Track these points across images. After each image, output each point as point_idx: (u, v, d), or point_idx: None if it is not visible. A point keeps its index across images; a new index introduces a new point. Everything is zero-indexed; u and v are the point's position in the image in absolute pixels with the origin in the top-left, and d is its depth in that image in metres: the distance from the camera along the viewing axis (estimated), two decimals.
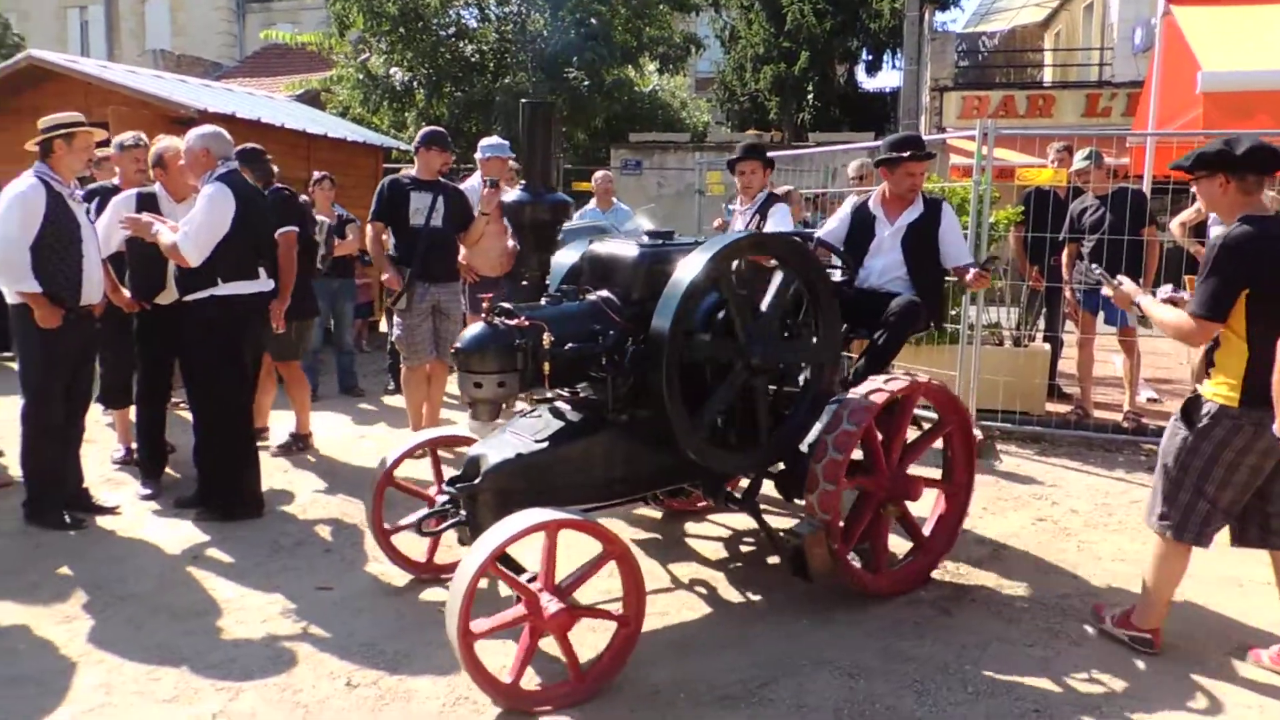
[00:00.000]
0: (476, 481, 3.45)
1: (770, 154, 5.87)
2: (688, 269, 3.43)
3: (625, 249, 3.77)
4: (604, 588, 3.71)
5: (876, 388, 3.91)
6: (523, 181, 3.83)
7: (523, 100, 3.67)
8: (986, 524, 5.07)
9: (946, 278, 4.99)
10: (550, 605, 3.10)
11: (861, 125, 20.21)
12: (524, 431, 3.65)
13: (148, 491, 5.24)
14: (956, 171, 12.07)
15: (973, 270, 4.65)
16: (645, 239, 3.84)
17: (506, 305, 3.50)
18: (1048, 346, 7.60)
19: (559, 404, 3.79)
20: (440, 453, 4.33)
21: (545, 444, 3.55)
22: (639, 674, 3.39)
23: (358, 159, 11.90)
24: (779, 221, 5.47)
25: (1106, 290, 3.88)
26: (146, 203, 5.11)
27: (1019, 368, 7.10)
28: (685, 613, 3.94)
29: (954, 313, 7.10)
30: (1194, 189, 3.68)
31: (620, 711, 3.17)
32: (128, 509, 5.03)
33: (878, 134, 17.82)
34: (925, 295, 4.62)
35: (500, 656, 3.30)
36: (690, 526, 4.93)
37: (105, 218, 5.13)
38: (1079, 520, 5.12)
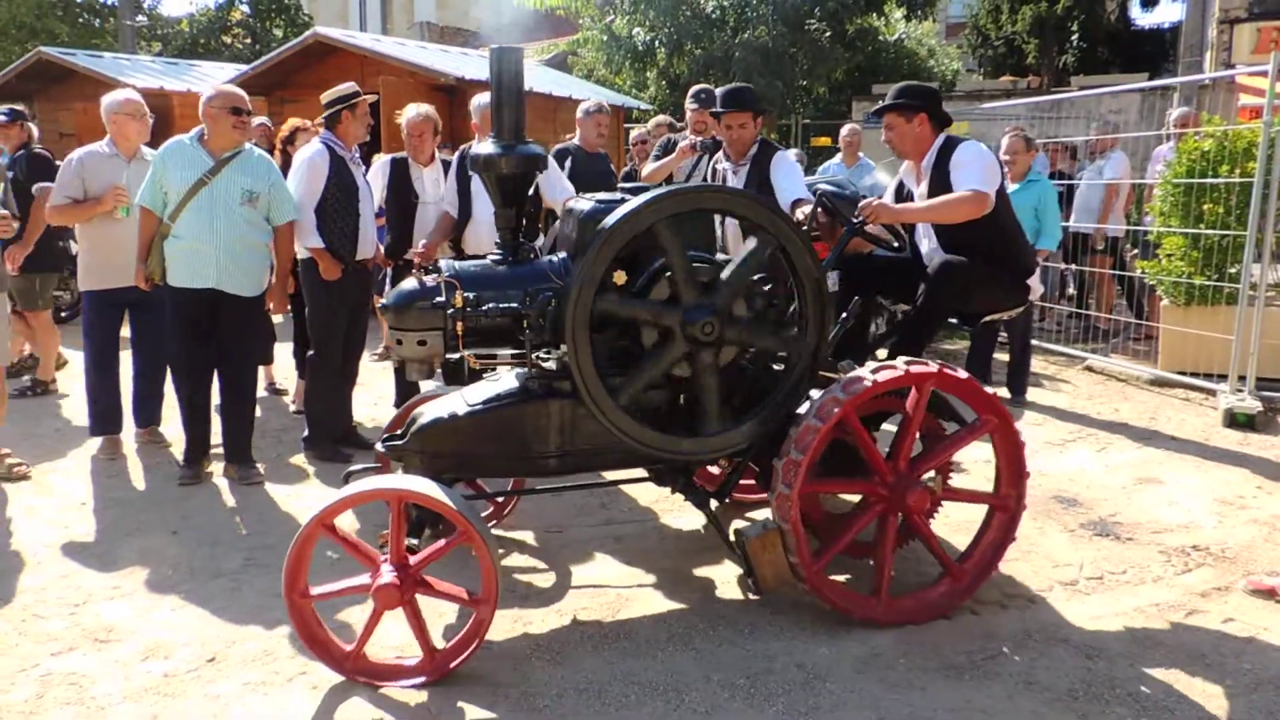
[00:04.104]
0: (403, 442, 3.36)
1: (1027, 100, 5.28)
2: (604, 226, 3.08)
3: (582, 205, 3.41)
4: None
5: (864, 374, 3.31)
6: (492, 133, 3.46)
7: (491, 46, 3.45)
8: (1260, 504, 4.58)
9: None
10: (384, 578, 3.00)
11: (1132, 66, 18.43)
12: (471, 393, 3.45)
13: None
14: (1246, 113, 10.78)
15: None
16: (603, 195, 3.45)
17: (443, 262, 3.36)
18: None
19: (521, 369, 3.49)
20: None
21: (477, 408, 3.33)
22: (860, 635, 3.36)
23: None
24: (787, 175, 4.75)
25: None
26: (400, 166, 5.54)
27: None
28: (911, 578, 3.83)
29: (1233, 270, 6.40)
30: None
31: (844, 670, 3.15)
32: None
33: (1152, 75, 16.24)
34: (973, 255, 3.80)
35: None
36: None
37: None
38: None
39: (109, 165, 5.12)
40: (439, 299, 3.21)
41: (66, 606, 3.61)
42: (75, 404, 6.22)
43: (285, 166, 5.48)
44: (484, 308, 3.21)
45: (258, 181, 4.74)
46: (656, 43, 15.49)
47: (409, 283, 3.34)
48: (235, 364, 4.90)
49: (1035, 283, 4.03)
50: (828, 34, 15.19)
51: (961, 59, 22.67)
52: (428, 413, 3.39)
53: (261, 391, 6.15)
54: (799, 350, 3.38)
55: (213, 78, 13.76)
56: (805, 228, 3.96)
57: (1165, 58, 20.52)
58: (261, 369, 6.25)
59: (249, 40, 24.81)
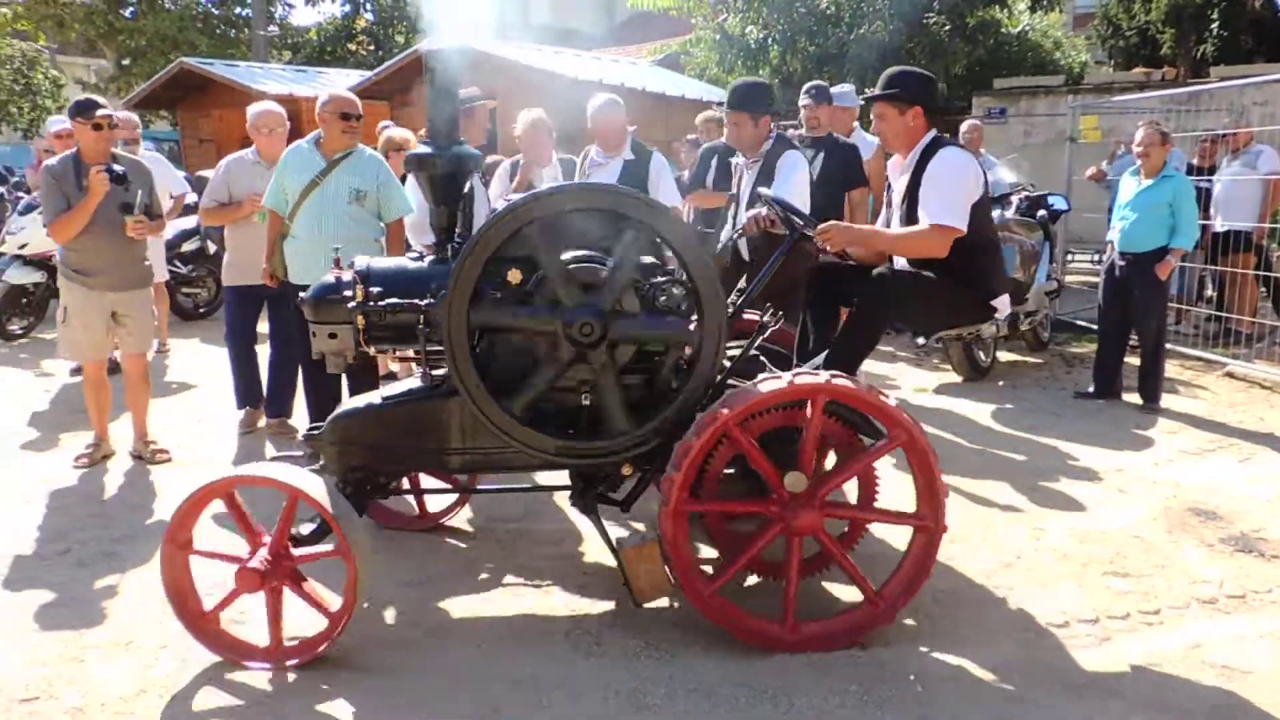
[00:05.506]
0: (319, 432, 3.43)
1: (1161, 92, 5.00)
2: (481, 227, 3.07)
3: (500, 205, 3.40)
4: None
5: (763, 379, 3.14)
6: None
7: (424, 50, 3.43)
8: None
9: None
10: (253, 562, 3.09)
11: (1279, 55, 17.33)
12: (393, 386, 3.53)
13: None
14: None
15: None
16: (517, 196, 3.40)
17: (358, 258, 3.38)
18: None
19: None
20: None
21: (386, 402, 3.40)
22: (977, 647, 3.25)
23: None
24: (786, 176, 4.75)
25: None
26: (516, 169, 5.65)
27: None
28: (1034, 589, 3.69)
29: None
30: None
31: (960, 682, 3.06)
32: None
33: None
34: (929, 268, 3.58)
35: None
36: (1064, 496, 4.61)
37: (493, 185, 5.73)
38: None
39: (252, 171, 5.49)
40: (347, 293, 3.28)
41: (204, 589, 3.78)
42: (212, 397, 6.55)
43: None
44: (385, 303, 3.22)
45: (366, 181, 4.95)
46: (770, 40, 15.35)
47: (327, 277, 3.42)
48: None
49: (1003, 302, 3.77)
50: (947, 28, 14.79)
51: (1090, 50, 21.75)
52: (346, 404, 3.52)
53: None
54: (697, 339, 3.20)
55: (338, 84, 14.30)
56: (740, 230, 4.11)
57: None
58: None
59: (372, 47, 25.72)
